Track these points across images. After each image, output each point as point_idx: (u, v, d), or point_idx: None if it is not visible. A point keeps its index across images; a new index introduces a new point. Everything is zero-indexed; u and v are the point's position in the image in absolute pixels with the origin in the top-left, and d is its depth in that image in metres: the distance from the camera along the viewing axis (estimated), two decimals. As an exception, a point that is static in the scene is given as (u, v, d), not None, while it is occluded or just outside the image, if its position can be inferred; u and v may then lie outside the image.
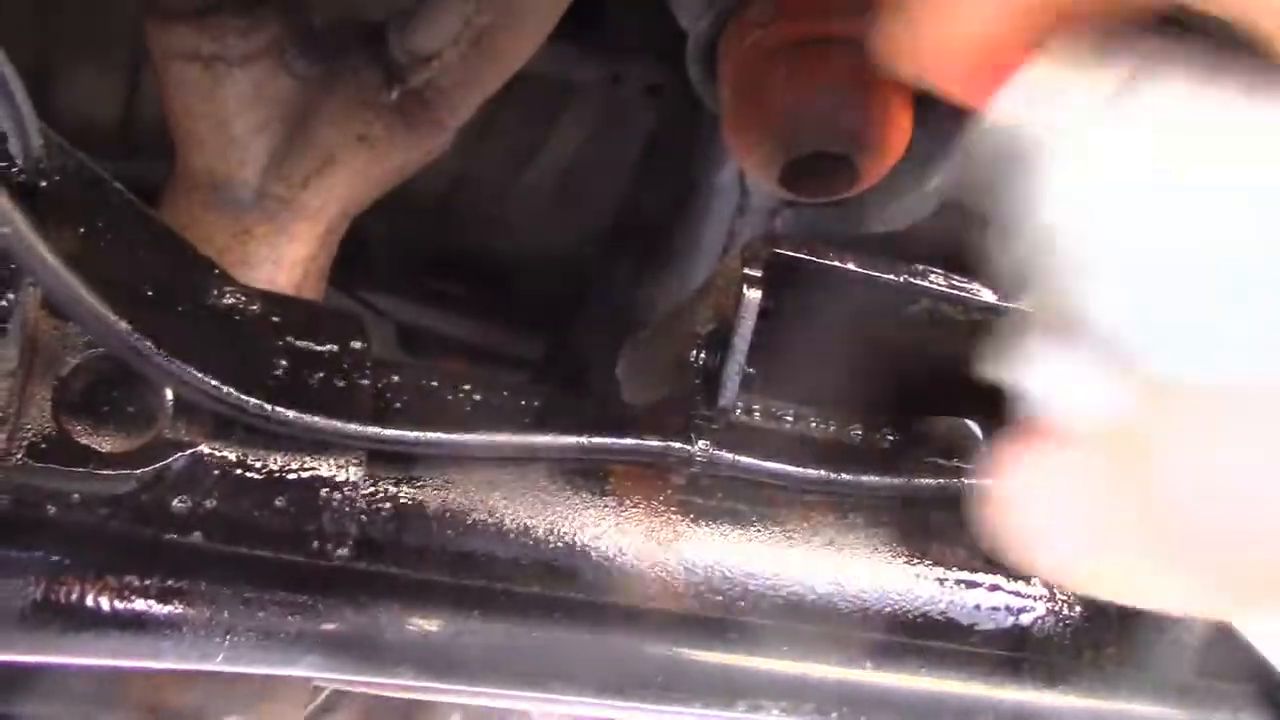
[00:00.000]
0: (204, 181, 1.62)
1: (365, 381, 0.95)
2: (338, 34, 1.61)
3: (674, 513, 1.03)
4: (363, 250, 2.35)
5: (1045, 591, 1.16)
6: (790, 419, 1.30)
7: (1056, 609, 1.16)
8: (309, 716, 2.85)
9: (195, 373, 0.83)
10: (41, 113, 0.85)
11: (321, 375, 0.94)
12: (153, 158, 1.75)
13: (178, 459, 0.86)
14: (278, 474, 0.89)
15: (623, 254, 2.22)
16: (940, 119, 1.65)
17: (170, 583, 0.80)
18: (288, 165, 1.60)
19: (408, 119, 1.61)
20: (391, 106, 1.60)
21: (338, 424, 0.89)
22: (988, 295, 1.15)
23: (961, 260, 1.24)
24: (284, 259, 1.64)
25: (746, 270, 1.05)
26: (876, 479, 1.09)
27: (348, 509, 0.91)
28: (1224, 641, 1.12)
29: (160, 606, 0.79)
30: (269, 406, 0.87)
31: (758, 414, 1.29)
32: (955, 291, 1.14)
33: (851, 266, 1.11)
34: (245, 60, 1.56)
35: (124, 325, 0.79)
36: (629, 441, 1.02)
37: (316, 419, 0.89)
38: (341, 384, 0.94)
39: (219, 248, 1.63)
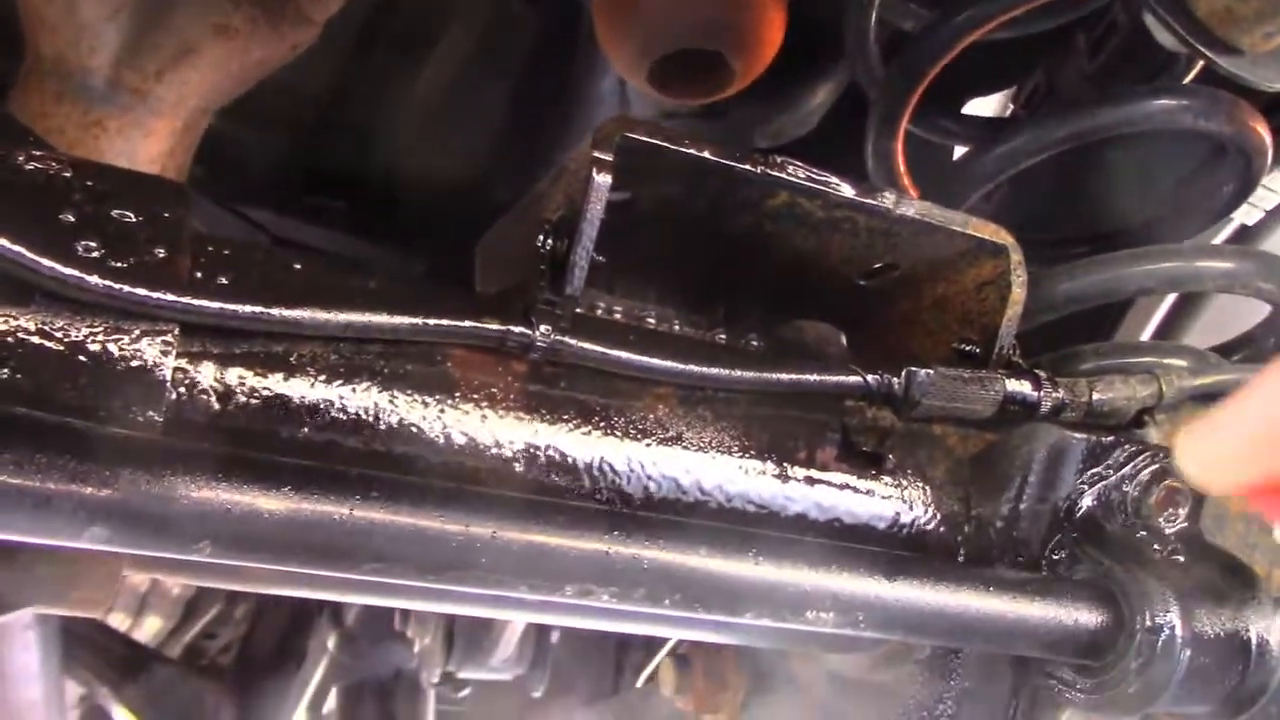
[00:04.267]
0: (54, 70, 1.54)
1: (183, 252, 0.90)
2: (196, -83, 1.53)
3: (513, 399, 1.00)
4: (237, 162, 2.27)
5: (896, 493, 1.15)
6: (653, 321, 1.28)
7: (910, 509, 1.15)
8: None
9: (-21, 230, 0.78)
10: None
11: (135, 243, 0.88)
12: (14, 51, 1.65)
13: (-34, 324, 0.81)
14: (81, 344, 0.84)
15: (507, 168, 2.17)
16: (826, 26, 1.63)
17: None
18: (142, 55, 1.52)
19: (269, 10, 1.53)
20: (252, -4, 1.52)
21: (144, 292, 0.84)
22: (847, 190, 1.13)
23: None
24: (138, 155, 1.57)
25: (596, 154, 1.02)
26: (724, 371, 1.06)
27: (157, 383, 0.86)
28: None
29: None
30: (66, 270, 0.82)
31: (619, 315, 1.26)
32: (814, 185, 1.11)
33: (707, 155, 1.07)
34: (95, -59, 1.48)
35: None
36: (467, 324, 0.98)
37: (121, 286, 0.84)
38: (158, 253, 0.89)
39: (70, 141, 1.55)
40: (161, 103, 1.56)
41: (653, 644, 2.17)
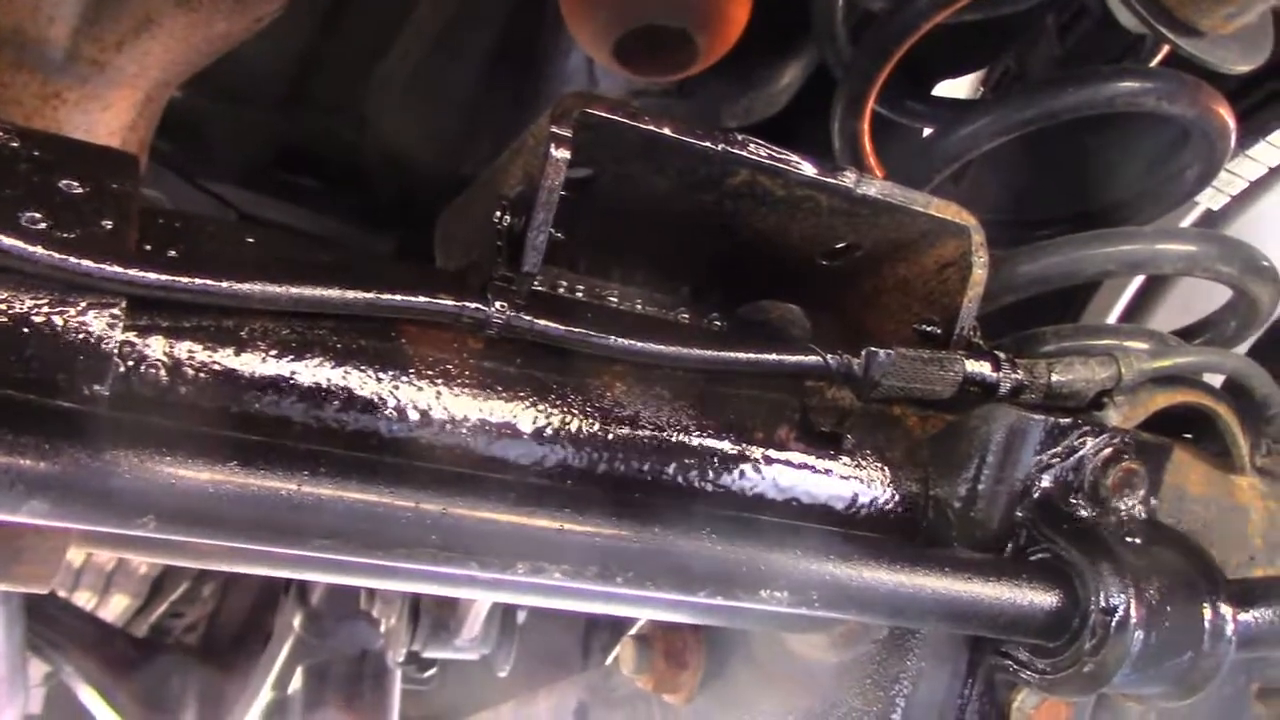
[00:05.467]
0: (11, 40, 1.52)
1: (132, 224, 0.89)
2: (157, -114, 1.51)
3: (468, 375, 0.99)
4: (207, 137, 2.25)
5: (854, 473, 1.15)
6: (615, 300, 1.27)
7: (868, 489, 1.15)
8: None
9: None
10: None
11: (82, 215, 0.87)
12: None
13: (-92, 296, 0.80)
14: (25, 317, 0.83)
15: (477, 145, 2.16)
16: (794, 5, 1.62)
17: None
18: (101, 25, 1.50)
19: (232, -19, 1.52)
20: (214, -34, 1.50)
21: (90, 264, 0.83)
22: (808, 169, 1.12)
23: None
24: (98, 127, 1.55)
25: (553, 129, 1.01)
26: (680, 349, 1.06)
27: (104, 356, 0.85)
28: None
29: None
30: (10, 242, 0.80)
31: (581, 293, 1.26)
32: (774, 163, 1.11)
33: (666, 131, 1.07)
34: (54, -93, 1.45)
35: None
36: (421, 300, 0.97)
37: (66, 258, 0.82)
38: (105, 225, 0.88)
39: (28, 112, 1.53)
40: (121, 74, 1.54)
41: (620, 622, 2.17)
